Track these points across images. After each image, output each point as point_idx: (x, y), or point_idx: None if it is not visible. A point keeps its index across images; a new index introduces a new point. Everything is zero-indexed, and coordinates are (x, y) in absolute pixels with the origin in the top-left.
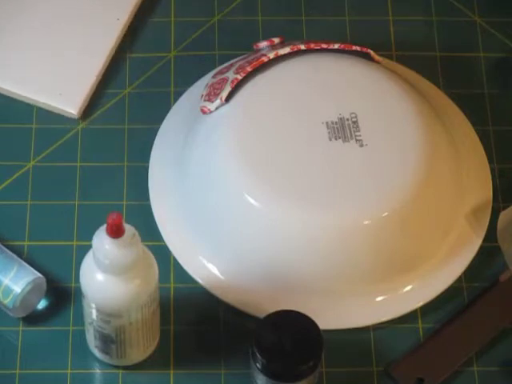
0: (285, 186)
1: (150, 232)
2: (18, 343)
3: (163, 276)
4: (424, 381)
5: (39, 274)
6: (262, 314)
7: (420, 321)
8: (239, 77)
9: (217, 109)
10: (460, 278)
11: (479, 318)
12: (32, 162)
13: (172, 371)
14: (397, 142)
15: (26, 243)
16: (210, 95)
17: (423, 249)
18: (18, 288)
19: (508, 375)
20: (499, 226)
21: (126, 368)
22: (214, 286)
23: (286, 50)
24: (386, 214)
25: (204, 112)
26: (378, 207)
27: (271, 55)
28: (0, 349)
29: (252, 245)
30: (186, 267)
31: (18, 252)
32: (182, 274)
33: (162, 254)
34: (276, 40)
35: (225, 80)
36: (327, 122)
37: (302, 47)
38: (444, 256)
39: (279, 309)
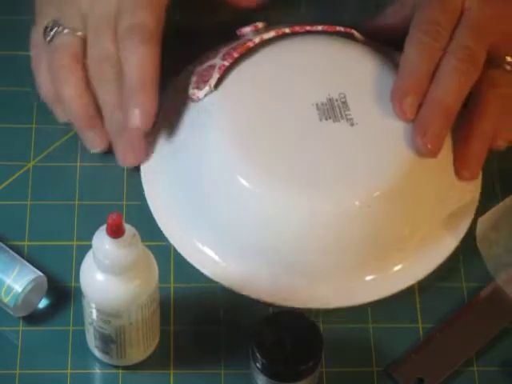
0: (276, 167)
1: (150, 232)
2: (18, 343)
3: (163, 276)
4: (424, 381)
5: (40, 273)
6: (259, 296)
7: (420, 321)
8: (226, 63)
9: (206, 96)
10: (460, 277)
11: (479, 318)
12: (32, 162)
13: (172, 371)
14: (387, 121)
15: (26, 243)
16: (199, 82)
17: (414, 228)
18: (19, 287)
19: (508, 375)
20: (478, 233)
21: (125, 368)
22: (211, 269)
23: (271, 34)
24: (377, 193)
25: (193, 100)
26: (369, 187)
27: (257, 40)
28: (0, 349)
29: (245, 226)
30: (182, 251)
31: (19, 252)
32: (182, 274)
33: (162, 254)
34: (260, 25)
35: (212, 67)
36: (317, 104)
37: (287, 31)
38: (435, 235)
39: (274, 289)
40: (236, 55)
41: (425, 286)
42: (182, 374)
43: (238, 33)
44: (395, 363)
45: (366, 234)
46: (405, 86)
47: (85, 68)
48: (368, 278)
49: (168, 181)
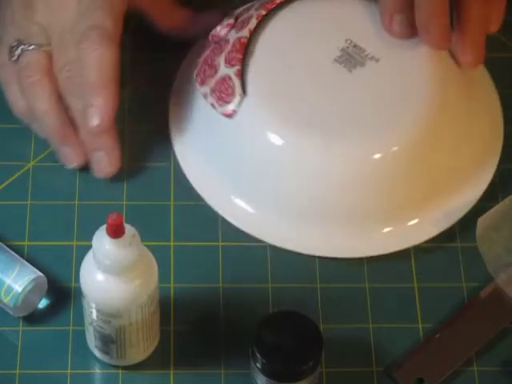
0: (304, 121)
1: (150, 232)
2: (18, 343)
3: (163, 276)
4: (424, 381)
5: (40, 273)
6: (286, 246)
7: (420, 321)
8: (237, 69)
9: (240, 104)
10: (460, 277)
11: (479, 318)
12: (32, 162)
13: (172, 371)
14: (407, 57)
15: (26, 243)
16: (223, 99)
17: (431, 185)
18: (19, 287)
19: (508, 375)
20: (478, 233)
21: (125, 368)
22: (246, 223)
23: (254, 22)
24: (395, 148)
25: (230, 116)
26: (388, 141)
27: (247, 34)
28: (0, 349)
29: (274, 178)
30: (218, 209)
31: (18, 252)
32: (182, 274)
33: (162, 254)
34: (231, 20)
35: (225, 78)
36: (335, 59)
37: (263, 12)
38: (453, 192)
39: (304, 239)
40: (240, 56)
41: (425, 286)
42: (181, 374)
43: (212, 38)
44: (395, 363)
45: (383, 187)
46: (389, 7)
47: (55, 81)
48: (385, 229)
49: (198, 143)
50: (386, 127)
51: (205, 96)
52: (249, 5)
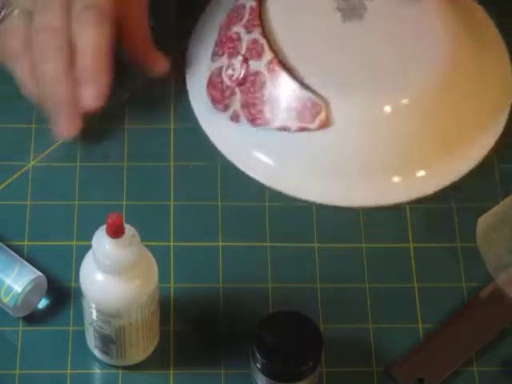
0: (318, 78)
1: (149, 232)
2: (18, 343)
3: (163, 276)
4: (424, 381)
5: (40, 273)
6: (306, 197)
7: (420, 321)
8: (297, 84)
9: (327, 112)
10: (460, 277)
11: (479, 318)
12: (32, 162)
13: (172, 371)
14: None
15: (25, 243)
16: (306, 118)
17: (441, 138)
18: (18, 287)
19: (508, 375)
20: (478, 233)
21: (125, 368)
22: (267, 176)
23: (265, 43)
24: (405, 100)
25: (324, 126)
26: (398, 94)
27: (271, 55)
28: (0, 349)
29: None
30: (237, 163)
31: (18, 252)
32: (182, 274)
33: (162, 254)
34: (240, 58)
35: (300, 100)
36: (342, 21)
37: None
38: (461, 147)
39: (319, 190)
40: (289, 73)
41: (425, 286)
42: (181, 374)
43: (235, 82)
44: (395, 363)
45: (394, 137)
46: None
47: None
48: (395, 180)
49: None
50: (396, 80)
51: (285, 129)
52: (226, 35)
